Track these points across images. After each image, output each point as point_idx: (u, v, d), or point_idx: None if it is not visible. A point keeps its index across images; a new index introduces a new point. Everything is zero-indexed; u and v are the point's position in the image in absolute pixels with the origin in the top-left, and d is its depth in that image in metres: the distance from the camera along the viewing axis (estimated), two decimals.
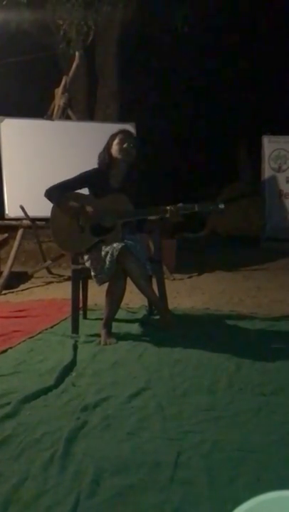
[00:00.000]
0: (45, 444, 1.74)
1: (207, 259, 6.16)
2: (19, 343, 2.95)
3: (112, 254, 2.87)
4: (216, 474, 1.52)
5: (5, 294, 4.66)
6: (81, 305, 3.39)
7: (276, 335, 3.06)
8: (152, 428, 1.84)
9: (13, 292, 4.73)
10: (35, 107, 6.06)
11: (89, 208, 3.03)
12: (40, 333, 3.17)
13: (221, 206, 3.00)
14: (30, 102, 7.05)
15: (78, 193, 3.14)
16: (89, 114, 7.35)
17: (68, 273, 4.41)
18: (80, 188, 3.15)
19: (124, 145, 3.09)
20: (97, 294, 3.42)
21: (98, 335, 3.00)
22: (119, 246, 2.88)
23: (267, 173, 7.01)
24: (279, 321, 3.34)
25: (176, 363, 2.54)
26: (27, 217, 4.91)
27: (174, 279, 5.10)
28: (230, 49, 9.08)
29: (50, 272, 5.55)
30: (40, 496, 1.44)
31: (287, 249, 6.37)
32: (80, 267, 3.18)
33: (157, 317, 3.32)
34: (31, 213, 4.88)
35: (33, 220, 4.94)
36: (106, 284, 2.98)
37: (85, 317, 3.50)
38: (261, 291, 4.51)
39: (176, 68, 9.46)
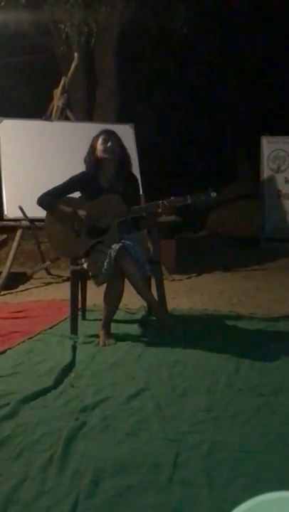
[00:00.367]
0: (44, 445, 1.74)
1: (206, 259, 6.15)
2: (18, 344, 2.95)
3: (110, 255, 2.86)
4: (215, 475, 1.52)
5: (4, 294, 4.65)
6: (80, 306, 3.39)
7: (275, 335, 3.05)
8: (151, 429, 1.84)
9: (12, 293, 4.72)
10: (34, 108, 6.07)
11: (81, 212, 3.03)
12: (39, 333, 3.17)
13: (213, 194, 2.98)
14: (28, 103, 7.06)
15: (70, 197, 3.14)
16: (88, 114, 7.35)
17: (67, 274, 4.42)
18: (72, 192, 3.15)
19: (108, 144, 3.08)
20: (96, 294, 3.41)
21: (97, 336, 3.00)
22: (117, 247, 2.87)
23: (266, 173, 7.00)
24: (278, 322, 3.34)
25: (175, 364, 2.54)
26: (26, 217, 4.90)
27: (173, 280, 5.09)
28: (230, 49, 9.08)
29: (49, 273, 5.54)
30: (40, 496, 1.44)
31: (286, 249, 6.36)
32: (78, 267, 3.18)
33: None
34: (30, 214, 4.86)
35: (32, 220, 4.92)
36: (105, 285, 2.98)
37: (83, 318, 3.50)
38: (260, 291, 4.51)
39: (176, 68, 9.47)
